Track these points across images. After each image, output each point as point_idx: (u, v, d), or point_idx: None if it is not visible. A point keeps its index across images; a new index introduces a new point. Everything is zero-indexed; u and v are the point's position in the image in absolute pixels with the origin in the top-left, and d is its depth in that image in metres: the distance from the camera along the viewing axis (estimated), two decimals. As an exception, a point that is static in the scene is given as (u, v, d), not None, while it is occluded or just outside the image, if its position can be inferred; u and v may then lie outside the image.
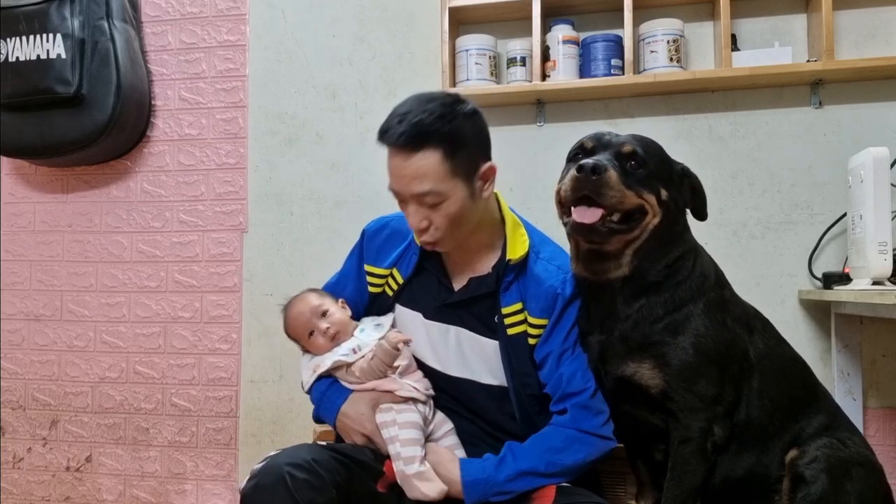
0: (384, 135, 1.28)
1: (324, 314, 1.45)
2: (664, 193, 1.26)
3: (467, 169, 1.29)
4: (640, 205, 1.23)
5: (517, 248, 1.38)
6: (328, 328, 1.44)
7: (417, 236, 1.36)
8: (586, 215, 1.20)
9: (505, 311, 1.38)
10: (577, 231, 1.23)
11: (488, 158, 1.34)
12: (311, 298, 1.49)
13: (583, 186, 1.19)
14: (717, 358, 1.24)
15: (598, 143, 1.28)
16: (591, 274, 1.29)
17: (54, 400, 2.53)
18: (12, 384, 2.56)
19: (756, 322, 1.36)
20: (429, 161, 1.24)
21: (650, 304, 1.26)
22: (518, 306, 1.38)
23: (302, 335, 1.47)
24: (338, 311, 1.47)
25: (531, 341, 1.37)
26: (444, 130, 1.24)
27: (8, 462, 2.56)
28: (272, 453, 1.26)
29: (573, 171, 1.20)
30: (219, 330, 2.43)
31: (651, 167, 1.24)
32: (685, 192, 1.32)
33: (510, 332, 1.38)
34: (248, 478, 1.23)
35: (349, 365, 1.41)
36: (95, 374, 2.50)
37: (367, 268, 1.52)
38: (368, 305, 1.54)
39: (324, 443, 1.34)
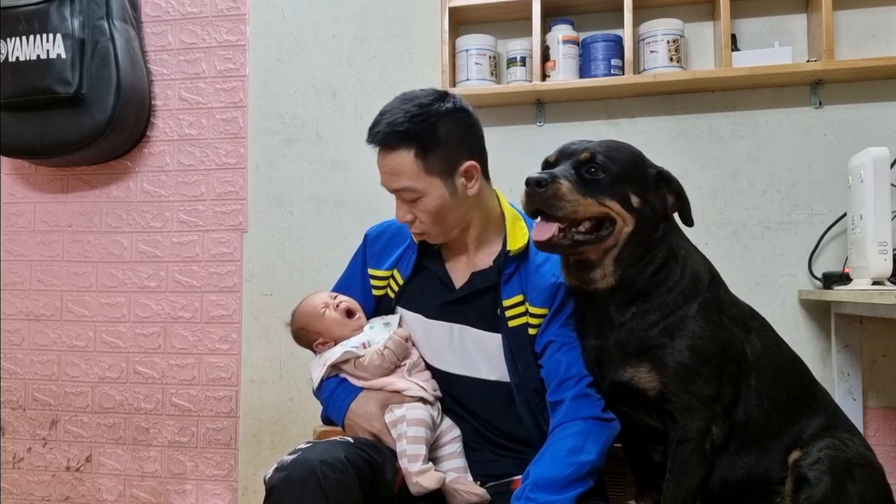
0: (368, 133, 1.35)
1: (334, 299, 1.50)
2: (635, 199, 1.23)
3: (444, 167, 1.32)
4: (604, 212, 1.22)
5: (517, 239, 1.39)
6: (340, 302, 1.48)
7: (409, 228, 1.41)
8: (542, 232, 1.21)
9: (506, 303, 1.38)
10: (538, 248, 1.25)
11: (472, 156, 1.35)
12: (320, 293, 1.53)
13: (532, 200, 1.20)
14: (714, 358, 1.24)
15: (561, 155, 1.27)
16: (580, 283, 1.29)
17: (54, 400, 2.53)
18: (12, 384, 2.56)
19: (753, 321, 1.35)
20: (402, 159, 1.30)
21: (642, 311, 1.25)
22: (519, 298, 1.38)
23: (315, 315, 1.48)
24: (348, 298, 1.51)
25: (531, 331, 1.37)
26: (415, 130, 1.29)
27: (8, 462, 2.56)
28: (303, 445, 1.25)
29: (524, 186, 1.21)
30: (219, 330, 2.43)
31: (614, 172, 1.22)
32: (662, 197, 1.28)
33: (511, 324, 1.38)
34: (275, 467, 1.21)
35: (358, 358, 1.42)
36: (95, 374, 2.50)
37: (370, 271, 1.53)
38: (374, 309, 1.54)
39: (351, 439, 1.33)
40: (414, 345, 1.49)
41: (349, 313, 1.48)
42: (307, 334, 1.51)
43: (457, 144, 1.34)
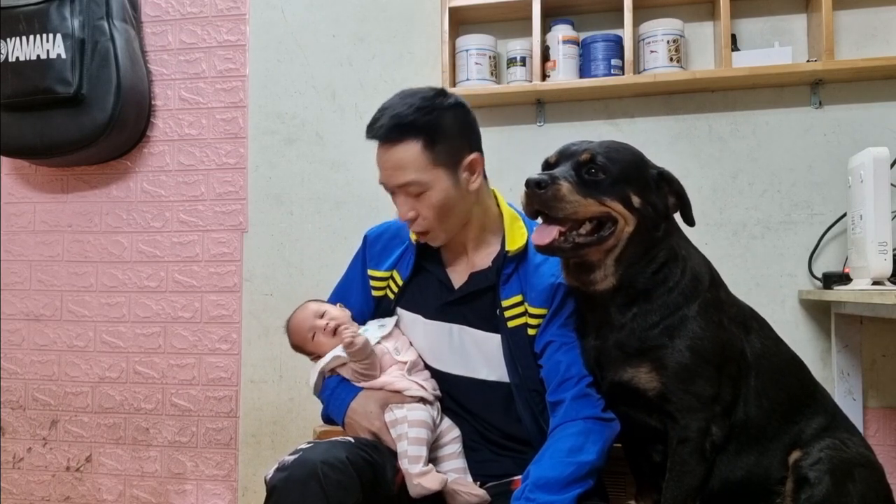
0: (369, 129, 1.34)
1: (322, 315, 1.49)
2: (636, 199, 1.23)
3: (449, 159, 1.33)
4: (606, 212, 1.21)
5: (516, 239, 1.40)
6: (327, 324, 1.46)
7: (409, 227, 1.40)
8: (543, 236, 1.21)
9: (505, 303, 1.38)
10: (539, 252, 1.25)
11: (474, 150, 1.37)
12: (310, 305, 1.53)
13: (533, 202, 1.20)
14: (714, 358, 1.24)
15: (562, 156, 1.27)
16: (580, 284, 1.29)
17: (54, 400, 2.53)
18: (12, 384, 2.56)
19: (752, 322, 1.35)
20: (409, 152, 1.30)
21: (643, 312, 1.26)
22: (518, 299, 1.38)
23: (306, 339, 1.49)
24: (335, 311, 1.50)
25: (531, 332, 1.38)
26: (422, 121, 1.30)
27: (8, 462, 2.56)
28: (303, 446, 1.26)
29: (524, 187, 1.21)
30: (219, 330, 2.43)
31: (614, 173, 1.22)
32: (664, 197, 1.29)
33: (510, 324, 1.38)
34: (276, 467, 1.22)
35: (347, 363, 1.42)
36: (95, 374, 2.50)
37: (369, 272, 1.53)
38: (374, 310, 1.55)
39: (352, 439, 1.33)
40: (411, 345, 1.49)
41: (337, 331, 1.46)
42: (302, 350, 1.53)
43: (460, 137, 1.35)
